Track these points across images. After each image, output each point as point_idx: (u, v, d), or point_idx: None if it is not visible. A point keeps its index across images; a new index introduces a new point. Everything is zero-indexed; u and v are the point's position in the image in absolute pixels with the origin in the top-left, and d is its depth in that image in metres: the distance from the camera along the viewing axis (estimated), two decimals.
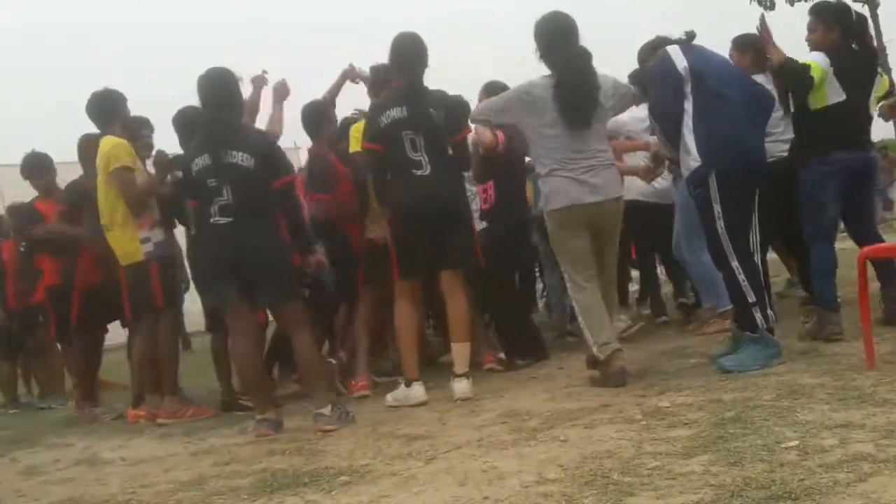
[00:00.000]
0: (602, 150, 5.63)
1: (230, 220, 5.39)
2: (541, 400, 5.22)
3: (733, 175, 5.34)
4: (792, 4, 13.19)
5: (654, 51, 5.87)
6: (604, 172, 5.56)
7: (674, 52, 5.50)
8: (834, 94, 5.80)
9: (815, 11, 6.14)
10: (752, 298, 5.34)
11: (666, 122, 5.61)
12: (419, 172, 5.74)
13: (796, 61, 5.74)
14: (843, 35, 5.99)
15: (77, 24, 50.42)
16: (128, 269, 6.54)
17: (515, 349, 6.90)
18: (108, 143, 6.47)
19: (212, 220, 5.44)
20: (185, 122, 6.36)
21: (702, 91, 5.39)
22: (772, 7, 13.24)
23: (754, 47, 6.52)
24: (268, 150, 5.62)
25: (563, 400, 5.12)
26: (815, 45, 6.01)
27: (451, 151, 5.90)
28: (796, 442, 3.43)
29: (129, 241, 6.45)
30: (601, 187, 5.52)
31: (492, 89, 6.70)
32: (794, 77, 5.79)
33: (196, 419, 6.40)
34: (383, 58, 6.15)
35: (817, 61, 5.77)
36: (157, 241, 6.47)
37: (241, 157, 5.41)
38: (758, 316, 5.33)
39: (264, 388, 5.74)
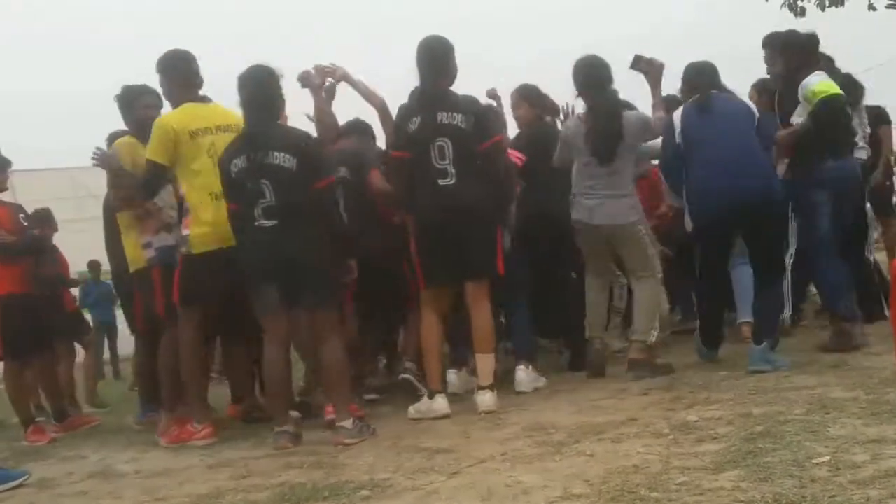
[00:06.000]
0: (620, 181, 6.29)
1: (275, 222, 5.33)
2: (566, 413, 5.16)
3: (704, 230, 6.08)
4: (823, 10, 13.11)
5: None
6: (614, 202, 6.26)
7: (676, 115, 6.14)
8: None
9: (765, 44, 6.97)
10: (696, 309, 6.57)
11: (667, 176, 6.56)
12: (443, 181, 5.69)
13: (821, 104, 6.15)
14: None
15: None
16: (134, 276, 6.51)
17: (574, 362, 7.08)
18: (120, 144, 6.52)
19: (256, 223, 5.36)
20: None
21: (688, 159, 6.07)
22: (802, 14, 13.15)
23: (769, 91, 7.05)
24: (309, 150, 5.54)
25: (589, 413, 5.05)
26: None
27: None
28: (827, 457, 3.36)
29: (133, 247, 6.40)
30: (609, 215, 6.27)
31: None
32: (835, 113, 6.24)
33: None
34: None
35: (825, 80, 6.22)
36: (161, 245, 6.26)
37: (282, 158, 5.35)
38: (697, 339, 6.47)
39: (287, 400, 5.66)
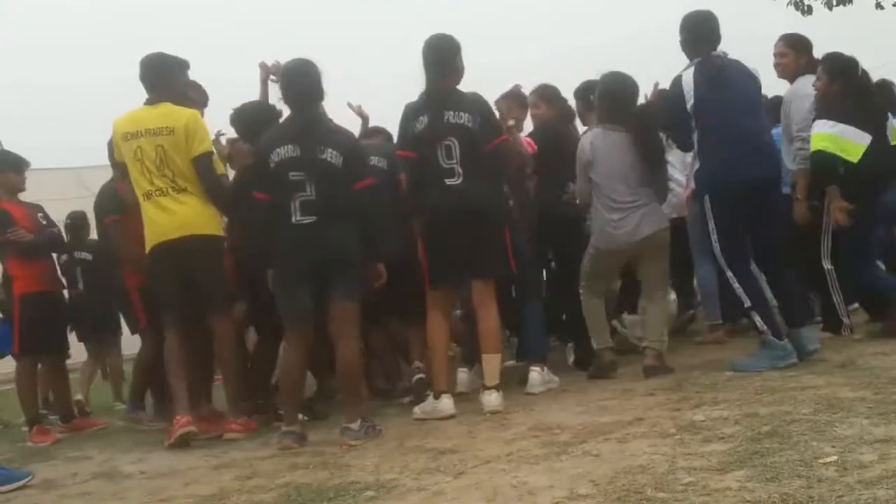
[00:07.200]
0: (644, 191, 6.28)
1: (314, 219, 5.28)
2: (572, 413, 5.14)
3: (725, 197, 5.83)
4: (830, 9, 13.03)
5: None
6: (655, 206, 6.34)
7: (686, 82, 5.88)
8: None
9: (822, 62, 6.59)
10: (747, 303, 5.84)
11: (676, 142, 6.34)
12: (450, 181, 5.67)
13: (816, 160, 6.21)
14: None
15: None
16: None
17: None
18: None
19: (294, 219, 5.30)
20: (246, 121, 6.34)
21: (704, 125, 5.84)
22: (809, 12, 13.08)
23: (808, 50, 6.92)
24: (353, 149, 5.54)
25: (595, 413, 5.04)
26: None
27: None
28: (835, 457, 3.34)
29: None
30: (652, 222, 6.24)
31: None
32: (826, 173, 6.26)
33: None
34: None
35: (821, 132, 6.15)
36: None
37: (331, 154, 5.33)
38: (756, 319, 5.81)
39: (298, 401, 5.64)
